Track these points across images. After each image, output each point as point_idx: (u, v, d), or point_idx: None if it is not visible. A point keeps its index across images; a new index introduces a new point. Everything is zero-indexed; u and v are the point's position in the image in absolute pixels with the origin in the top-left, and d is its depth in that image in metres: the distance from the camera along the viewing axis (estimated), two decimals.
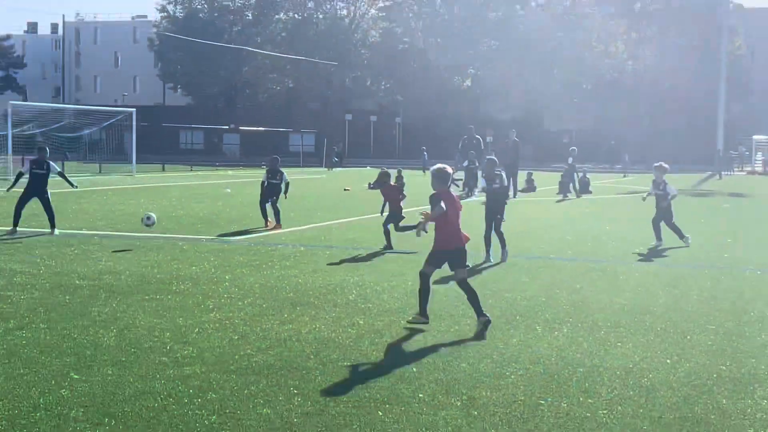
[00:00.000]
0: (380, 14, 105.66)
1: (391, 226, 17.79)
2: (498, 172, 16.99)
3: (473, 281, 11.16)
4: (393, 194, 18.47)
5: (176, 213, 25.62)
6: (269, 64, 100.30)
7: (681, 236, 18.92)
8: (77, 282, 12.95)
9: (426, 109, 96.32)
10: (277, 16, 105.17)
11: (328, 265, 15.23)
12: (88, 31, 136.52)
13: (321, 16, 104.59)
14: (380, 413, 7.05)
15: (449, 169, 10.76)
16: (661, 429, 6.89)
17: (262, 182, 21.68)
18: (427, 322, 10.37)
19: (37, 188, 19.27)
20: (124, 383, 7.71)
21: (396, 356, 8.93)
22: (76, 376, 7.90)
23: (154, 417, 6.81)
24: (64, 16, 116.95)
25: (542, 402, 7.49)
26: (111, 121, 64.26)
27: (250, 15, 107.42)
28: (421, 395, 7.57)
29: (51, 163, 19.72)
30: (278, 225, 21.17)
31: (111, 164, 57.57)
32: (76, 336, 9.47)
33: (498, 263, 15.88)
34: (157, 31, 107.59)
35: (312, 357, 8.78)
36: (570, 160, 36.18)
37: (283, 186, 21.50)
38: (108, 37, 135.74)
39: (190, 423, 6.70)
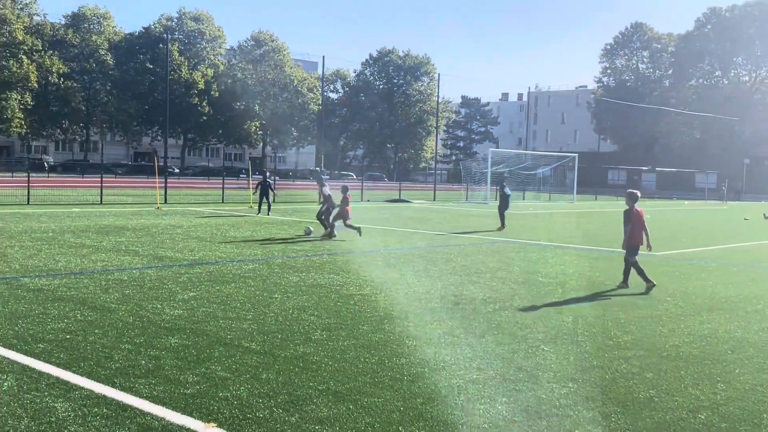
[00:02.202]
0: None
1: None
2: None
3: None
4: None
5: (606, 230, 24.99)
6: (681, 120, 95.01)
7: None
8: (540, 279, 13.02)
9: None
10: (689, 83, 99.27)
11: (737, 279, 13.89)
12: (543, 97, 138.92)
13: (726, 82, 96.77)
14: None
15: (638, 193, 12.44)
16: None
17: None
18: (654, 285, 11.87)
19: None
20: (582, 357, 7.51)
21: None
22: (545, 348, 7.86)
23: (606, 386, 6.54)
24: (529, 88, 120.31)
25: None
26: (558, 163, 64.94)
27: (666, 83, 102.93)
28: None
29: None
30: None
31: (556, 194, 58.00)
32: (545, 319, 9.46)
33: None
34: (594, 97, 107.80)
35: (729, 352, 7.97)
36: None
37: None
38: (557, 101, 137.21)
39: (633, 394, 6.34)
